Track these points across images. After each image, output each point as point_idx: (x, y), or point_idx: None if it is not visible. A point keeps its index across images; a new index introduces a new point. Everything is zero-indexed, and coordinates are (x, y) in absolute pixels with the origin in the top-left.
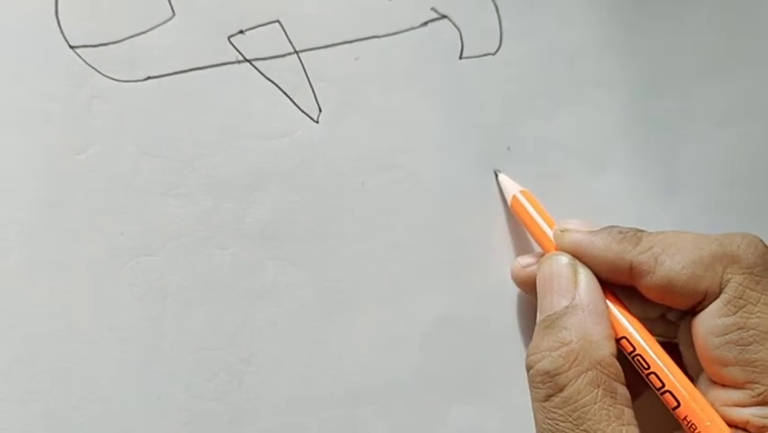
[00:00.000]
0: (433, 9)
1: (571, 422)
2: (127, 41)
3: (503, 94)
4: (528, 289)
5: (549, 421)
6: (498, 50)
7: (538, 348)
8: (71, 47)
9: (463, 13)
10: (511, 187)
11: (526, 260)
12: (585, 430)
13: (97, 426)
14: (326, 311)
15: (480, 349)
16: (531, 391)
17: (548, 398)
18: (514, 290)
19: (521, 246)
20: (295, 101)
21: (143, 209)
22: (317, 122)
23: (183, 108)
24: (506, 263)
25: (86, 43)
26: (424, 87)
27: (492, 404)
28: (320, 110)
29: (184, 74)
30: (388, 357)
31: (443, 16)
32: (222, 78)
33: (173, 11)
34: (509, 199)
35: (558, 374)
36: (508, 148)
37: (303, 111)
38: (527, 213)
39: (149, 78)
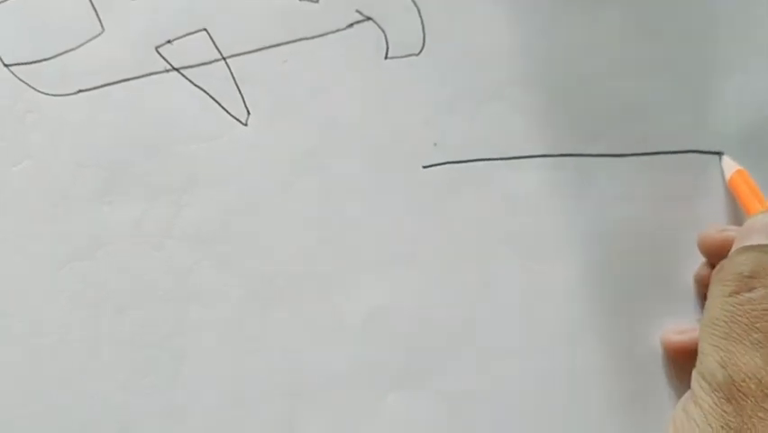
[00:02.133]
0: (358, 11)
1: (747, 318)
2: (59, 57)
3: (427, 93)
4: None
5: (725, 313)
6: (421, 50)
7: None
8: (5, 65)
9: (388, 15)
10: (730, 166)
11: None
12: (758, 329)
13: (36, 426)
14: (260, 309)
15: (413, 339)
16: (716, 285)
17: (733, 294)
18: (443, 281)
19: (448, 240)
20: (223, 106)
21: (77, 216)
22: (246, 125)
23: (114, 118)
24: (434, 256)
25: (20, 61)
26: (351, 87)
27: (427, 392)
28: (248, 113)
29: (114, 85)
30: (323, 351)
31: (368, 18)
32: (151, 87)
33: (102, 26)
34: (728, 176)
35: (752, 277)
36: (435, 144)
37: (232, 115)
38: (745, 189)
39: (80, 91)
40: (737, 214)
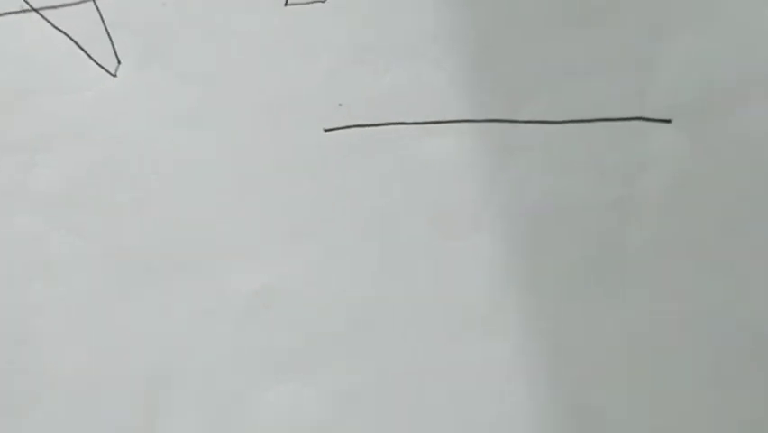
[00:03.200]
0: None
1: None
2: None
3: (333, 46)
4: None
5: None
6: None
7: None
8: None
9: None
10: None
11: None
12: None
13: None
14: (122, 284)
15: (304, 323)
16: None
17: None
18: (341, 260)
19: (350, 212)
20: (89, 53)
21: None
22: (115, 75)
23: None
24: (333, 230)
25: None
26: (242, 35)
27: (312, 384)
28: (119, 63)
29: None
30: (196, 334)
31: None
32: (5, 29)
33: None
34: None
35: None
36: (339, 104)
37: (99, 64)
38: None
39: None
40: (687, 188)
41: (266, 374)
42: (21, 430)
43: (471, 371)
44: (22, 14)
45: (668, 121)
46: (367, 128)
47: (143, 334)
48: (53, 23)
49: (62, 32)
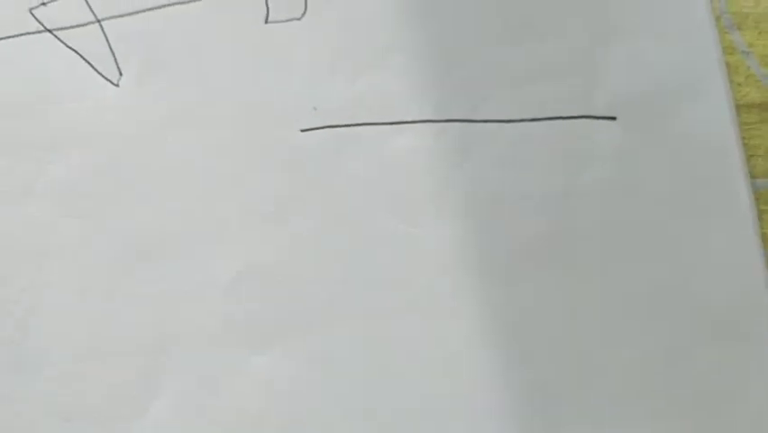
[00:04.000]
0: None
1: None
2: None
3: (308, 57)
4: None
5: None
6: (303, 14)
7: None
8: None
9: None
10: None
11: None
12: None
13: None
14: (123, 265)
15: (284, 300)
16: None
17: None
18: (316, 241)
19: (323, 202)
20: (95, 66)
21: None
22: (117, 85)
23: None
24: (308, 217)
25: None
26: (227, 50)
27: (295, 354)
28: (120, 74)
29: None
30: (188, 309)
31: None
32: (22, 47)
33: None
34: None
35: None
36: (315, 108)
37: (103, 76)
38: None
39: None
40: (629, 183)
41: (250, 344)
42: (33, 389)
43: (430, 344)
44: (38, 35)
45: (613, 118)
46: (339, 128)
47: (139, 307)
48: (64, 41)
49: (72, 49)
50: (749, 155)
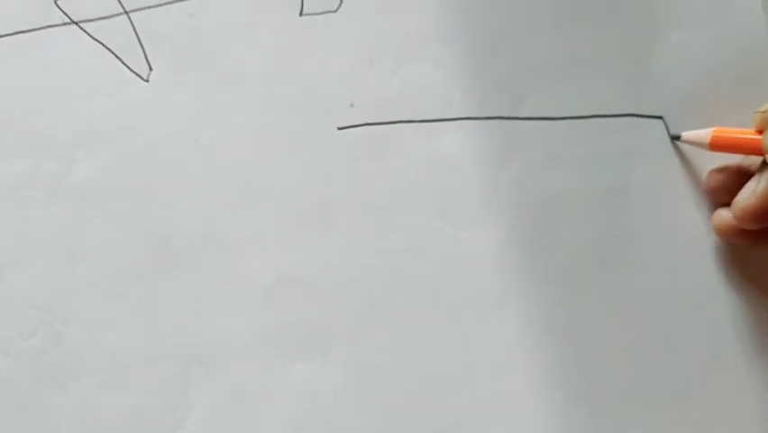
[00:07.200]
0: None
1: None
2: None
3: (344, 51)
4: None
5: None
6: (339, 6)
7: None
8: None
9: None
10: (703, 134)
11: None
12: None
13: None
14: (155, 270)
15: (323, 307)
16: None
17: None
18: (356, 247)
19: (363, 204)
20: (124, 61)
21: None
22: (147, 81)
23: (8, 70)
24: (347, 221)
25: None
26: (261, 44)
27: (333, 362)
28: (150, 69)
29: (9, 37)
30: (223, 317)
31: None
32: (48, 40)
33: None
34: (709, 140)
35: None
36: (352, 105)
37: (132, 70)
38: (734, 137)
39: None
40: (674, 180)
41: (288, 355)
42: (64, 401)
43: (475, 347)
44: (63, 27)
45: (659, 117)
46: (377, 126)
47: (172, 315)
48: (91, 34)
49: (99, 42)
50: None
